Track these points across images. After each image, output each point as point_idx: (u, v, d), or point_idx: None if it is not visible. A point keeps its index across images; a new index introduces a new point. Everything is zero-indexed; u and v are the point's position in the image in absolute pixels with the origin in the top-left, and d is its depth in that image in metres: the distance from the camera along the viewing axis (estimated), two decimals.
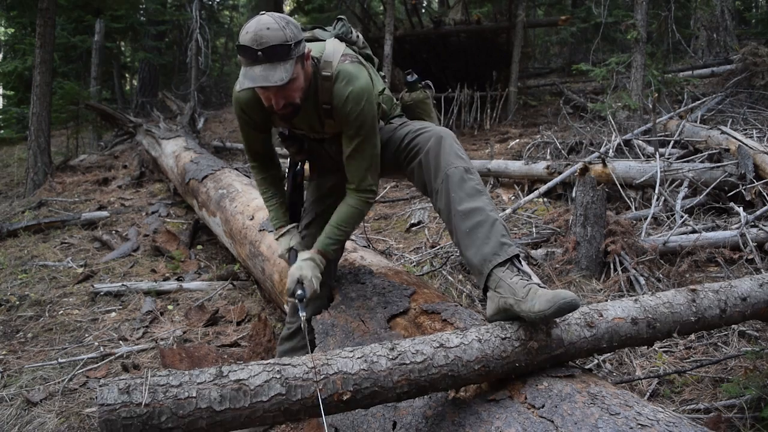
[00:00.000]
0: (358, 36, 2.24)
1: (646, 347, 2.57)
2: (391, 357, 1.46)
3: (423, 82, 2.40)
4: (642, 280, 3.29)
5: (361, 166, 2.06)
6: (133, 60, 15.24)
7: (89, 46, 10.88)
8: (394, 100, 2.34)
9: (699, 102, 6.93)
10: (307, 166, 2.46)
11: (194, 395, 1.32)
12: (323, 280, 2.33)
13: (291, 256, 2.16)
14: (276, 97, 1.85)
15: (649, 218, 4.07)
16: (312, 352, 1.84)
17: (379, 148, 2.09)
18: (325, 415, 1.40)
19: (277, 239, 2.27)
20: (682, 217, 4.04)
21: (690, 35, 10.27)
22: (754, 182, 4.16)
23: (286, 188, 2.35)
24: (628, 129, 5.98)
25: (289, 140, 2.23)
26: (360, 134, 2.00)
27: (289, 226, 2.26)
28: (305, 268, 2.03)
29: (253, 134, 2.18)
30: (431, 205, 4.21)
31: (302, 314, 1.94)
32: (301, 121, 2.09)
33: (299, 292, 1.97)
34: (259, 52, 1.75)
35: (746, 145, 4.52)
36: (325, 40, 2.09)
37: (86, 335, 3.37)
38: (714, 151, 4.85)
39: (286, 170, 2.38)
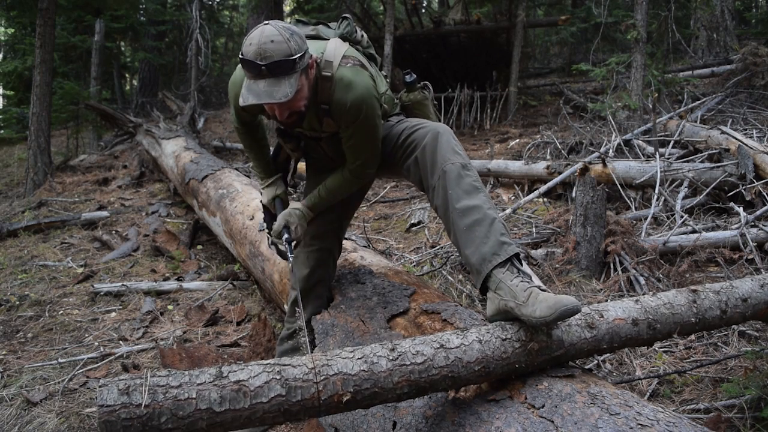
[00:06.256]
0: (362, 35, 2.23)
1: (646, 347, 2.58)
2: (391, 358, 1.46)
3: (421, 83, 2.39)
4: (642, 280, 3.29)
5: (360, 156, 2.09)
6: (133, 60, 15.23)
7: (89, 46, 10.87)
8: (395, 100, 2.34)
9: (699, 102, 6.93)
10: (302, 165, 2.46)
11: (194, 396, 1.32)
12: (323, 279, 2.34)
13: (277, 204, 2.27)
14: (280, 108, 1.85)
15: (649, 218, 4.07)
16: (312, 352, 1.84)
17: (379, 142, 2.10)
18: (325, 415, 1.40)
19: (262, 189, 2.35)
20: (682, 217, 4.03)
21: (690, 35, 10.25)
22: (754, 182, 4.16)
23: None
24: (628, 129, 5.98)
25: (286, 136, 2.24)
26: (359, 135, 2.01)
27: (274, 177, 2.33)
28: (293, 215, 2.16)
29: (244, 115, 2.20)
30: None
31: (290, 256, 2.10)
32: None
33: (286, 235, 2.11)
34: (263, 67, 1.73)
35: (746, 145, 4.52)
36: (328, 38, 2.09)
37: (86, 335, 3.37)
38: (714, 151, 4.85)
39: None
